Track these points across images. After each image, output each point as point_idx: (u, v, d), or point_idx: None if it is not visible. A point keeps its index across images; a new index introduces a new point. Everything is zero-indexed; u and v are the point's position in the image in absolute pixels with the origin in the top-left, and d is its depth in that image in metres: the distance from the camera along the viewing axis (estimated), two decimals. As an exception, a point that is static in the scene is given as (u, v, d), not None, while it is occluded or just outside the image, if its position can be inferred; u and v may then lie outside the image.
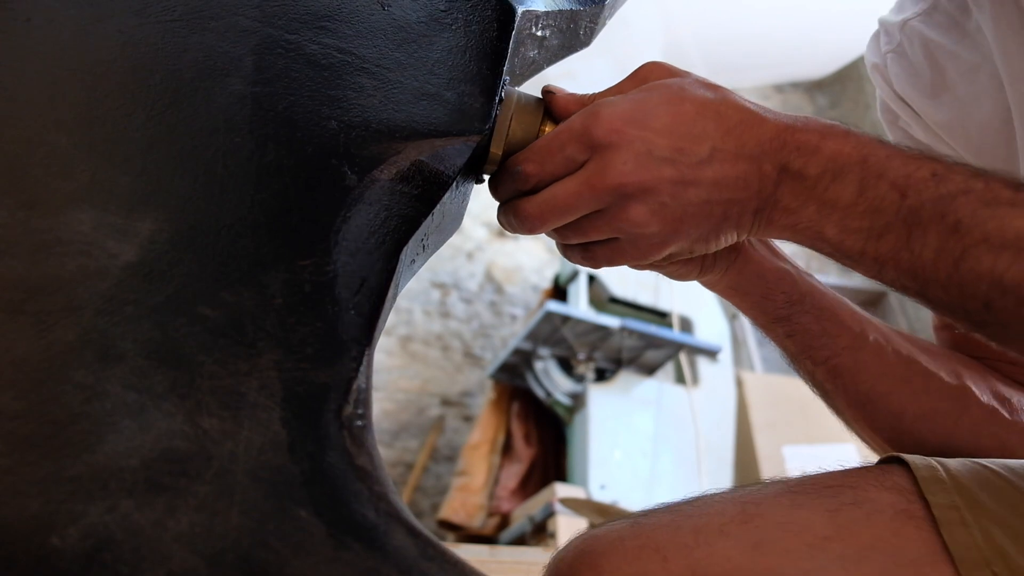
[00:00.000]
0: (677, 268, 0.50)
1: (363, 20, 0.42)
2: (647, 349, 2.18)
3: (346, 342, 0.35)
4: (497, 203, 0.47)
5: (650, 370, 2.24)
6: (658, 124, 0.41)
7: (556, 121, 0.45)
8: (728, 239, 0.44)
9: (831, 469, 0.47)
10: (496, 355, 2.55)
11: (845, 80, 3.36)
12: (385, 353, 2.55)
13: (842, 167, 0.40)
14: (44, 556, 0.28)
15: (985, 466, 0.45)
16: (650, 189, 0.40)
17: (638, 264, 0.46)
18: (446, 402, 2.56)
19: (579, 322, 2.12)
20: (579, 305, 2.24)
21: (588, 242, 0.45)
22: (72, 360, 0.31)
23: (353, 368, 0.34)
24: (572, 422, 2.10)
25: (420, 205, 0.40)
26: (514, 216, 0.45)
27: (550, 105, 0.46)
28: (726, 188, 0.41)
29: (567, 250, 0.47)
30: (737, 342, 2.52)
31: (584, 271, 2.33)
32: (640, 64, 0.46)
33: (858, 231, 0.40)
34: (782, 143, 0.41)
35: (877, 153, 0.39)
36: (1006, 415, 0.51)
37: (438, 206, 0.41)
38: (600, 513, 1.22)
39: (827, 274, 2.97)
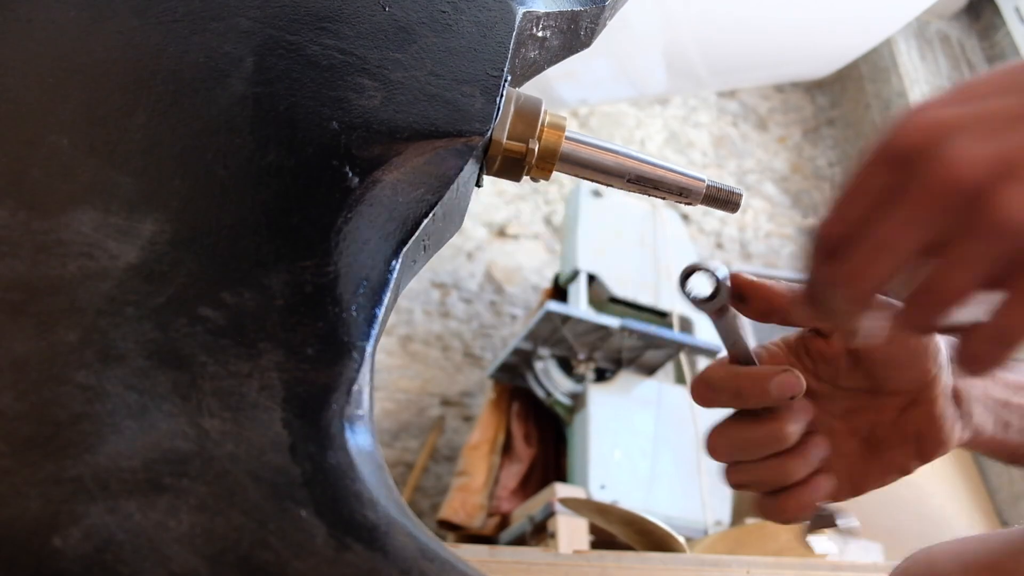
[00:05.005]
0: None
1: (364, 21, 0.42)
2: (647, 349, 2.18)
3: (347, 343, 0.35)
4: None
5: (650, 370, 2.24)
6: (986, 89, 0.29)
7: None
8: None
9: None
10: (496, 355, 2.55)
11: (845, 80, 3.36)
12: (385, 353, 2.55)
13: None
14: (45, 557, 0.28)
15: None
16: (1011, 160, 0.27)
17: None
18: (446, 402, 2.56)
19: (579, 322, 2.11)
20: (579, 305, 2.24)
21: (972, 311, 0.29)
22: (73, 361, 0.31)
23: (354, 369, 0.34)
24: (572, 422, 2.10)
25: (421, 206, 0.40)
26: (826, 300, 0.32)
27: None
28: None
29: (968, 356, 0.30)
30: (737, 342, 2.52)
31: (584, 270, 2.33)
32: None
33: None
34: None
35: None
36: None
37: (439, 207, 0.41)
38: (600, 513, 1.22)
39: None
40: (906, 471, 0.44)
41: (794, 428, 0.41)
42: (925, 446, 0.43)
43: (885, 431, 0.44)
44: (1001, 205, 0.26)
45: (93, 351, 0.32)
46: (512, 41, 0.44)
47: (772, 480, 0.42)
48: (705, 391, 0.43)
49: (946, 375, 0.42)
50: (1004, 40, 2.96)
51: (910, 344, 0.41)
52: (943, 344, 0.42)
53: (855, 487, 0.44)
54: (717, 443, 0.43)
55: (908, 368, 0.42)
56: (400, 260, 0.39)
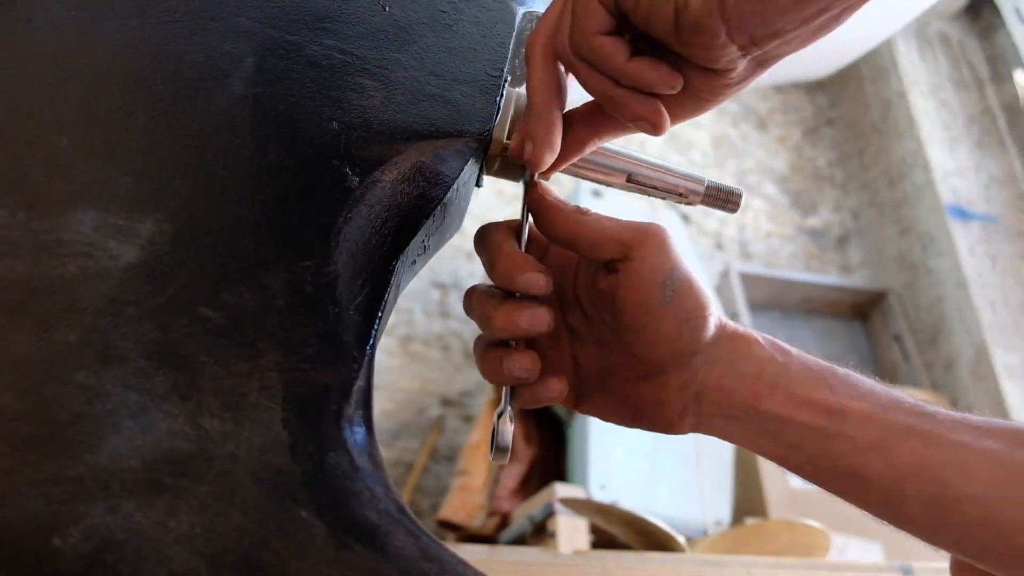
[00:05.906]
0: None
1: (364, 21, 0.42)
2: (647, 349, 2.18)
3: (347, 343, 0.35)
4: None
5: (650, 370, 2.24)
6: None
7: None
8: None
9: None
10: (496, 355, 2.55)
11: (845, 80, 3.35)
12: (385, 353, 2.55)
13: None
14: (45, 557, 0.28)
15: None
16: None
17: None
18: (446, 402, 2.56)
19: (579, 322, 2.11)
20: (579, 305, 2.23)
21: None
22: (73, 361, 0.32)
23: (354, 369, 0.34)
24: (572, 422, 2.10)
25: (421, 206, 0.40)
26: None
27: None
28: None
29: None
30: (737, 342, 2.52)
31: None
32: None
33: None
34: None
35: None
36: None
37: (439, 207, 0.41)
38: (600, 513, 1.22)
39: (827, 274, 2.97)
40: (625, 424, 0.45)
41: (524, 323, 0.39)
42: (642, 420, 0.44)
43: (617, 381, 0.44)
44: None
45: (93, 351, 0.32)
46: (512, 41, 0.44)
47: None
48: (477, 237, 0.44)
49: (698, 376, 0.41)
50: (1004, 40, 2.96)
51: (670, 327, 0.40)
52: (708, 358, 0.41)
53: (579, 401, 0.45)
54: (466, 302, 0.44)
55: (659, 346, 0.41)
56: (400, 260, 0.39)
